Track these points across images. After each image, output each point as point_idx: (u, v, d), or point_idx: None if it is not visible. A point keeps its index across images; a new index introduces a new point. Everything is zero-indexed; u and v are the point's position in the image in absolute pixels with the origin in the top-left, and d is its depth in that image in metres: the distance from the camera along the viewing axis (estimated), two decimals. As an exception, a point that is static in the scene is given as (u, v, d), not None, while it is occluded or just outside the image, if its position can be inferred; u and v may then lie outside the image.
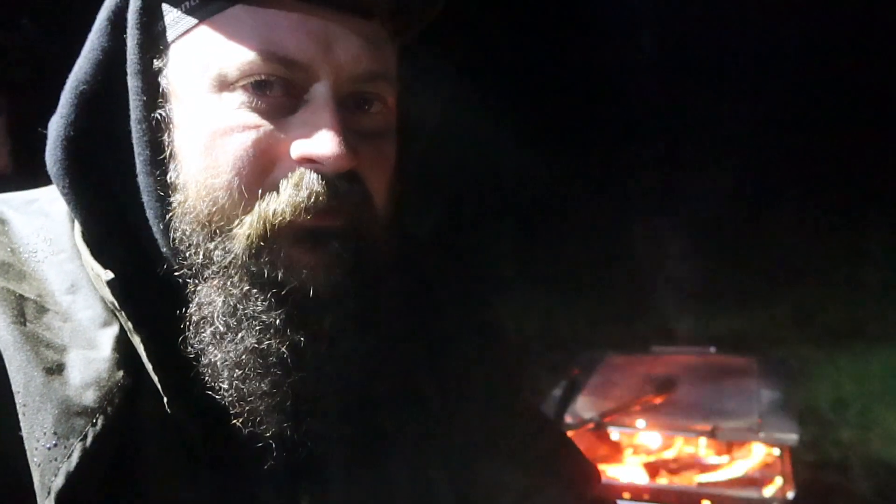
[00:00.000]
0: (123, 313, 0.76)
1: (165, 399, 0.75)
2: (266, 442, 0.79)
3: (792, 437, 2.81)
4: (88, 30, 0.92)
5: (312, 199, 0.75)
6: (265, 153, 0.76)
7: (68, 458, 0.70)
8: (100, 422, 0.72)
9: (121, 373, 0.75)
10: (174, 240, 0.79)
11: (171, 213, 0.78)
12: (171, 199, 0.78)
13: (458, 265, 1.06)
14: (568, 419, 3.03)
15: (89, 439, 0.71)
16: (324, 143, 0.74)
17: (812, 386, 4.93)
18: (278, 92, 0.77)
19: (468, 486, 0.95)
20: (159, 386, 0.75)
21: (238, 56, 0.75)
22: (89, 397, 0.73)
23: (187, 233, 0.78)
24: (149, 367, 0.75)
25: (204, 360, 0.78)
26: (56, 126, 0.82)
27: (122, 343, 0.77)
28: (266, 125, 0.76)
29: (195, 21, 0.78)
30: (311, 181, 0.75)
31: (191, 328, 0.78)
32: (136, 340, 0.76)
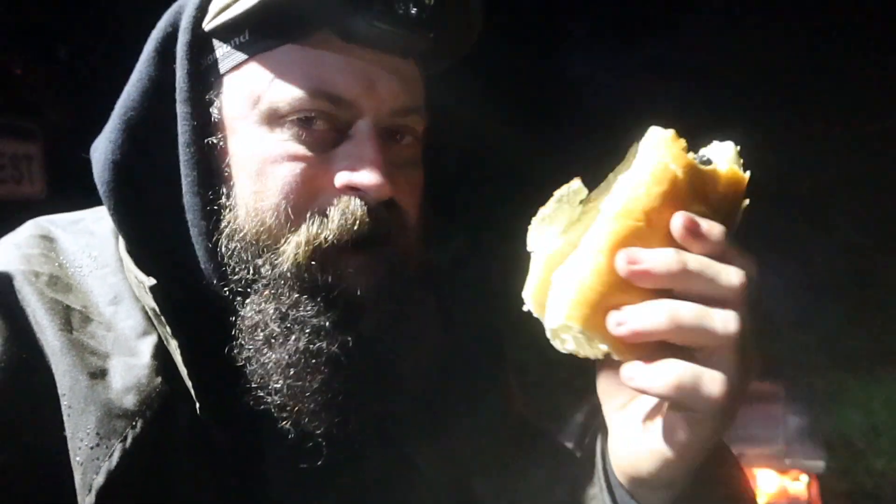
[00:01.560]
0: (163, 318, 0.80)
1: (198, 404, 0.79)
2: (287, 451, 0.83)
3: (819, 465, 2.76)
4: (121, 59, 0.96)
5: (357, 225, 0.81)
6: (311, 181, 0.82)
7: (109, 457, 0.75)
8: (139, 425, 0.76)
9: (159, 379, 0.80)
10: (221, 255, 0.84)
11: (219, 232, 0.84)
12: (221, 219, 0.84)
13: (476, 285, 1.09)
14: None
15: (129, 441, 0.76)
16: (367, 174, 0.81)
17: (841, 412, 4.83)
18: (324, 126, 0.83)
19: (470, 489, 0.98)
20: (192, 391, 0.79)
21: (288, 93, 0.82)
22: (130, 401, 0.77)
23: (236, 250, 0.83)
24: (184, 372, 0.79)
25: (254, 364, 0.82)
26: (104, 150, 0.88)
27: (161, 351, 0.82)
28: (312, 156, 0.82)
29: (245, 56, 0.85)
30: (355, 208, 0.81)
31: (241, 334, 0.83)
32: (173, 346, 0.80)
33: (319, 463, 0.83)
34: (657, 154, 0.65)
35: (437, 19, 0.85)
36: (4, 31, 3.14)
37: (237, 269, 0.83)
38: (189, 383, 0.79)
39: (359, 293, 0.82)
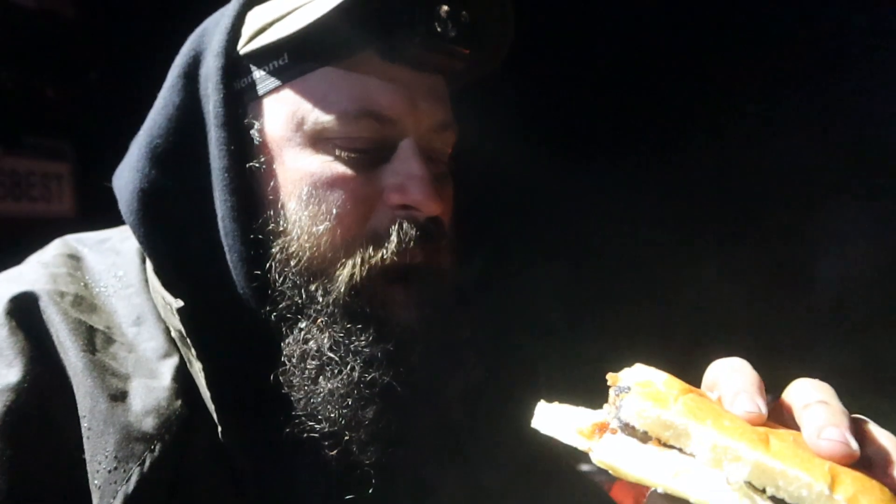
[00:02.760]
0: (189, 340, 0.80)
1: (220, 429, 0.78)
2: (318, 479, 0.83)
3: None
4: (151, 81, 0.97)
5: (412, 243, 0.82)
6: (363, 202, 0.83)
7: (127, 481, 0.73)
8: (157, 448, 0.76)
9: (179, 402, 0.79)
10: (273, 280, 0.84)
11: (270, 257, 0.84)
12: (272, 245, 0.84)
13: (502, 308, 1.07)
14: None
15: (147, 465, 0.75)
16: (419, 192, 0.82)
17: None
18: (369, 146, 0.84)
19: None
20: (215, 415, 0.78)
21: (334, 113, 0.82)
22: (149, 424, 0.77)
23: (289, 275, 0.83)
24: (207, 395, 0.79)
25: (301, 392, 0.82)
26: (130, 179, 0.88)
27: (182, 374, 0.82)
28: (361, 176, 0.83)
29: (286, 79, 0.85)
30: (409, 227, 0.83)
31: (290, 361, 0.83)
32: (197, 368, 0.79)
33: (349, 491, 0.83)
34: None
35: (473, 36, 0.86)
36: (36, 53, 3.23)
37: (289, 295, 0.83)
38: (212, 407, 0.78)
39: (409, 325, 0.83)
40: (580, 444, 0.60)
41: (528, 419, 1.03)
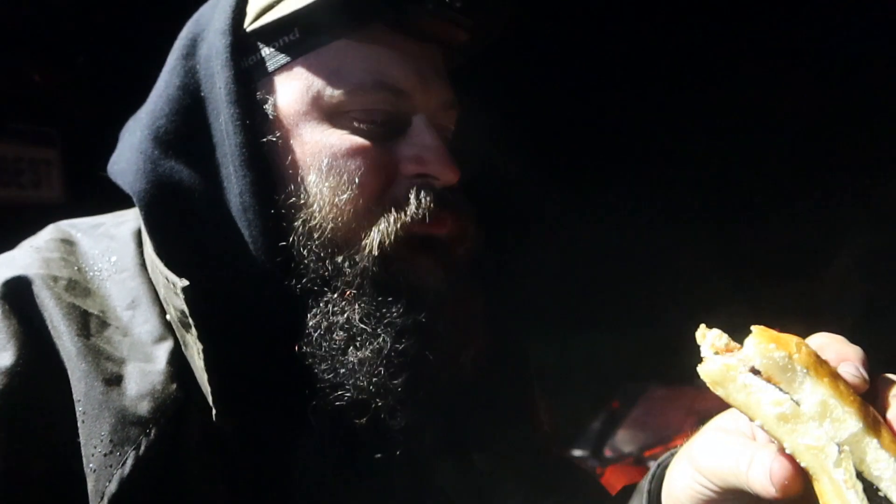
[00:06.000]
0: (191, 320, 0.79)
1: (214, 412, 0.78)
2: (304, 460, 0.82)
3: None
4: (139, 67, 0.96)
5: (431, 209, 0.84)
6: (382, 170, 0.84)
7: (122, 465, 0.74)
8: (153, 432, 0.76)
9: (174, 385, 0.79)
10: (298, 254, 0.84)
11: (293, 231, 0.84)
12: (295, 218, 0.84)
13: (497, 294, 1.07)
14: (607, 453, 2.96)
15: (142, 448, 0.75)
16: (437, 161, 0.84)
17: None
18: (385, 118, 0.85)
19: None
20: (210, 398, 0.78)
21: (350, 87, 0.83)
22: (144, 408, 0.76)
23: (313, 247, 0.83)
24: (204, 377, 0.78)
25: (326, 364, 0.83)
26: (134, 161, 0.87)
27: (176, 357, 0.81)
28: (378, 147, 0.84)
29: (297, 54, 0.85)
30: (428, 194, 0.84)
31: (317, 332, 0.83)
32: (196, 350, 0.79)
33: (346, 475, 0.83)
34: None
35: (477, 5, 0.86)
36: (23, 39, 3.20)
37: (313, 268, 0.83)
38: (208, 388, 0.78)
39: (439, 290, 0.84)
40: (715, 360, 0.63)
41: (519, 404, 1.04)
